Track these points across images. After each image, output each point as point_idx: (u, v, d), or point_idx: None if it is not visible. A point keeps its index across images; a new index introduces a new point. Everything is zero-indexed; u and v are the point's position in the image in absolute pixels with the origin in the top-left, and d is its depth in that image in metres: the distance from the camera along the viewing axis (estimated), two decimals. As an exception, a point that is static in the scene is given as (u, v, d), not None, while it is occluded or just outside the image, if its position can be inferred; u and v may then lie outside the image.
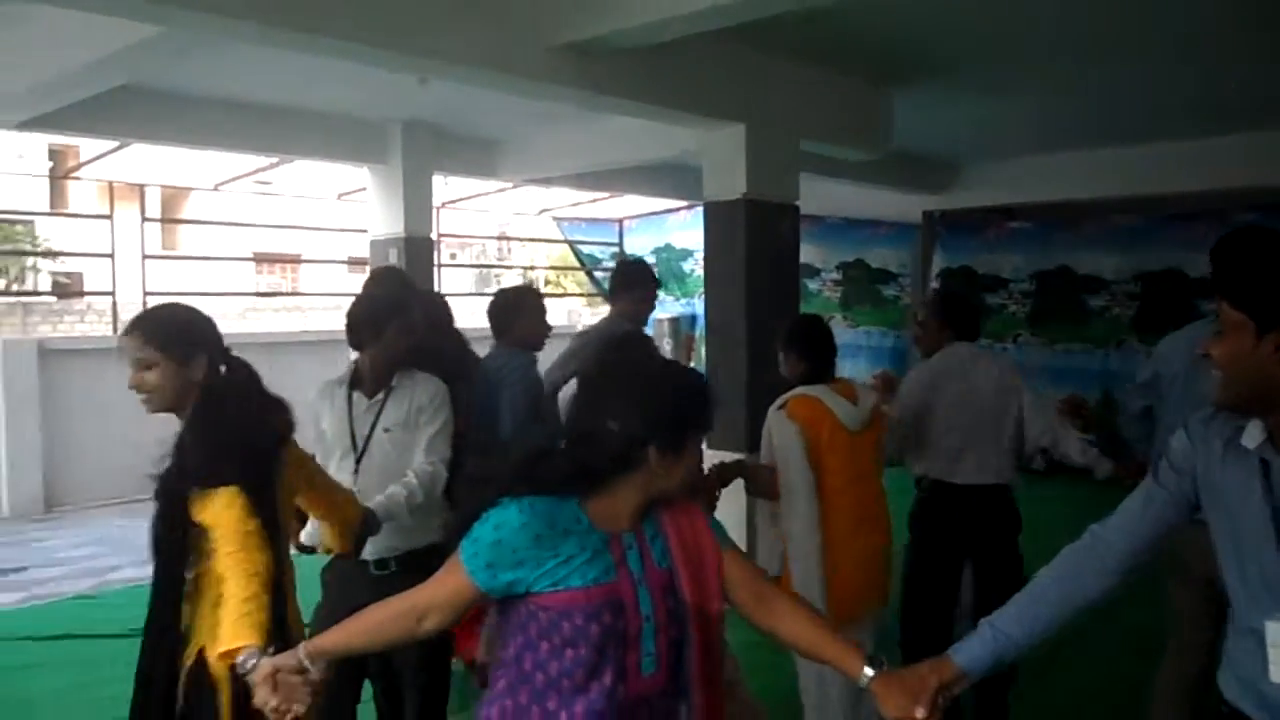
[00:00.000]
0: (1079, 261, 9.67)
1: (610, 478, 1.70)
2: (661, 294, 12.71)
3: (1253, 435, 1.67)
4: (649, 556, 1.73)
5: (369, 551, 2.84)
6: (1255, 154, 8.12)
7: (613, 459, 1.68)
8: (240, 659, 1.86)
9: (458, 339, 3.96)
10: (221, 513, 2.09)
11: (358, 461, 2.90)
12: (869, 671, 1.72)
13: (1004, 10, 5.02)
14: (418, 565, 2.56)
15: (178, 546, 2.16)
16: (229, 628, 1.92)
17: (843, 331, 10.71)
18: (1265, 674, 1.64)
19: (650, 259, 12.52)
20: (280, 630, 2.08)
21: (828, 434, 3.09)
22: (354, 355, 3.05)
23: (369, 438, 2.92)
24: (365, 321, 2.95)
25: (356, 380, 2.98)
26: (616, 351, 2.95)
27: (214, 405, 2.26)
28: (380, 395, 2.94)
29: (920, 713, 1.68)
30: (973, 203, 10.26)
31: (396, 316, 2.95)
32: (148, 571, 2.25)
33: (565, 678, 1.67)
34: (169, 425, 2.29)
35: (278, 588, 2.13)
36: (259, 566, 2.05)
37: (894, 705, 1.69)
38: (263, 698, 1.77)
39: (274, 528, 2.19)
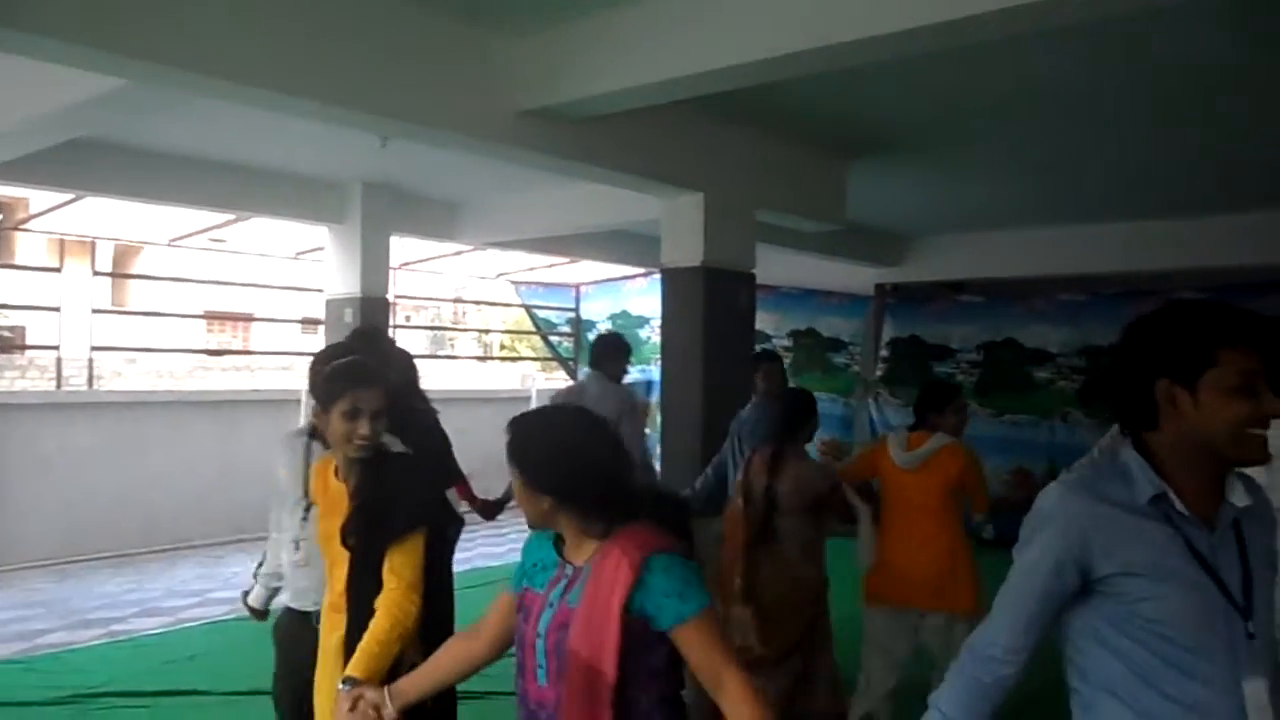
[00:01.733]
0: (1026, 335, 9.93)
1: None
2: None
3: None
4: (571, 590, 1.85)
5: (310, 604, 2.79)
6: (1198, 238, 8.45)
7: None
8: (342, 685, 2.16)
9: (424, 398, 3.93)
10: (407, 555, 2.39)
11: (306, 510, 2.82)
12: None
13: (958, 91, 5.18)
14: None
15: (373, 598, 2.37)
16: (356, 656, 2.25)
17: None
18: None
19: (605, 325, 12.60)
20: (395, 671, 2.26)
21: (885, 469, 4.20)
22: (304, 414, 2.99)
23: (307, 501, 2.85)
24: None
25: (316, 431, 2.87)
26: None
27: (417, 457, 2.55)
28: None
29: None
30: (924, 276, 10.50)
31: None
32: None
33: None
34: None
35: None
36: (409, 618, 2.35)
37: None
38: (340, 714, 2.05)
39: (438, 581, 2.46)
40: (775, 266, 8.89)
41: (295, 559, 2.86)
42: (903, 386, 10.50)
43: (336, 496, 2.53)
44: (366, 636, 2.29)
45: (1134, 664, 1.64)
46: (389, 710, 2.04)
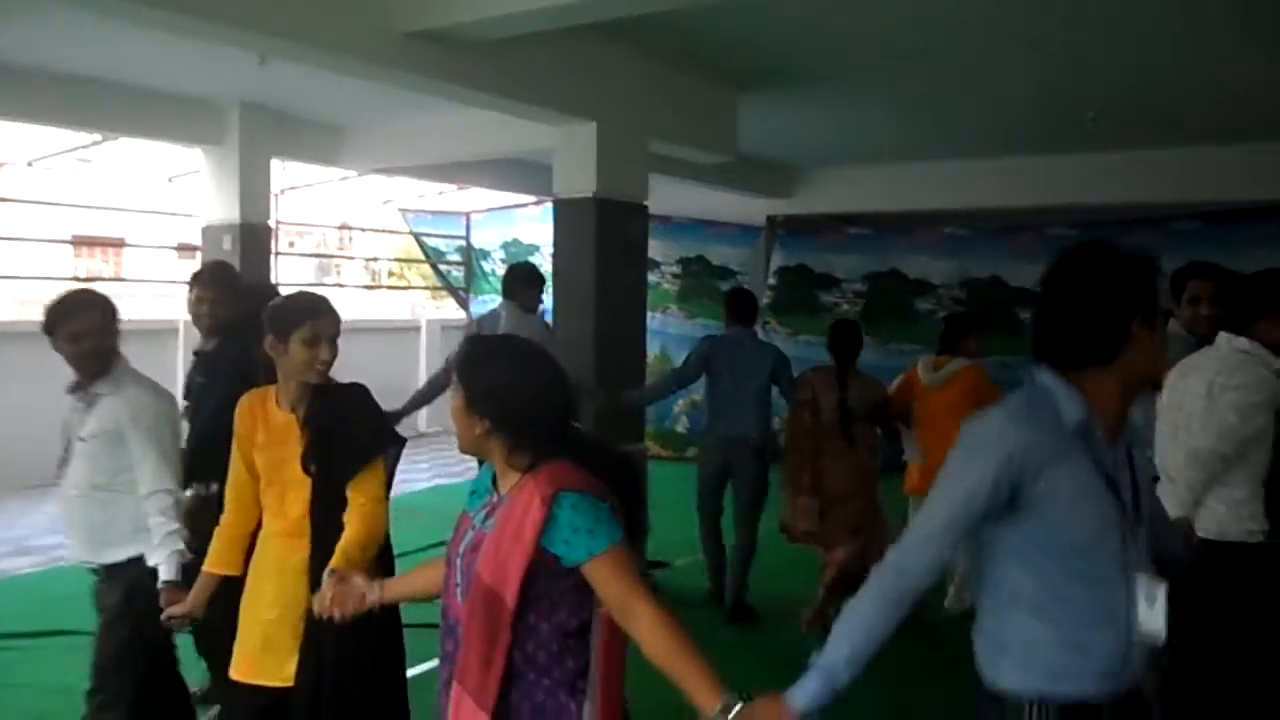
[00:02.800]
0: (909, 266, 10.24)
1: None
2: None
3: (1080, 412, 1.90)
4: (490, 517, 1.90)
5: (78, 561, 2.94)
6: (1074, 174, 8.80)
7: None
8: (328, 574, 2.28)
9: None
10: (368, 481, 2.59)
11: (60, 468, 2.87)
12: (717, 710, 1.72)
13: (850, 24, 5.22)
14: (111, 578, 2.88)
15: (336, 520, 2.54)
16: (338, 557, 2.42)
17: (680, 323, 10.99)
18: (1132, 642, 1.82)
19: (498, 253, 12.45)
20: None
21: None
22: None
23: (68, 445, 2.87)
24: (46, 316, 2.87)
25: (76, 385, 2.91)
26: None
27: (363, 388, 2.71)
28: (83, 403, 2.86)
29: None
30: (815, 208, 10.67)
31: (65, 319, 2.83)
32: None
33: None
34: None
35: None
36: (381, 527, 2.61)
37: None
38: (322, 599, 2.18)
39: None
40: (667, 197, 8.90)
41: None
42: (790, 315, 10.70)
43: (283, 426, 2.62)
44: (346, 543, 2.47)
45: (1043, 576, 1.82)
46: (375, 596, 2.18)
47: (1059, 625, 1.82)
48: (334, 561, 2.42)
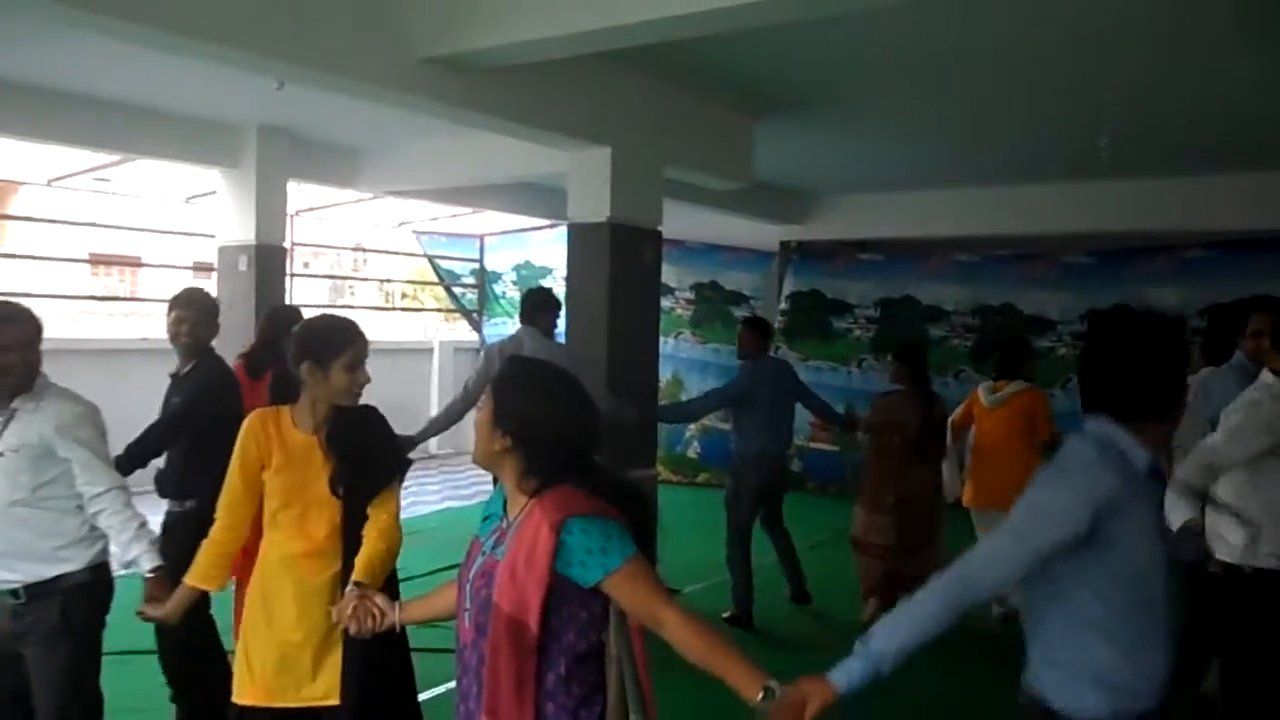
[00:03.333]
0: (922, 292, 10.22)
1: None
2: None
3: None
4: (500, 544, 1.94)
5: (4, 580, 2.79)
6: (1087, 201, 8.80)
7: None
8: (354, 587, 2.42)
9: None
10: (388, 499, 2.71)
11: None
12: (760, 698, 1.80)
13: (866, 52, 5.23)
14: (40, 598, 2.76)
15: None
16: (362, 568, 2.52)
17: (692, 348, 11.00)
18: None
19: (510, 276, 12.49)
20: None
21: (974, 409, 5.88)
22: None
23: None
24: None
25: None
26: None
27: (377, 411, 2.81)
28: (2, 417, 2.81)
29: None
30: (828, 234, 10.69)
31: None
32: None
33: None
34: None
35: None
36: (398, 544, 2.69)
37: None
38: (343, 610, 2.28)
39: None
40: (681, 221, 8.92)
41: None
42: (802, 340, 10.68)
43: (304, 448, 2.65)
44: (369, 558, 2.57)
45: (1112, 603, 2.01)
46: (393, 618, 2.26)
47: (1125, 648, 2.02)
48: (357, 575, 2.51)
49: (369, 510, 2.68)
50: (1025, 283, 9.66)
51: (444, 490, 9.72)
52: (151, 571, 2.82)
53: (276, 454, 2.67)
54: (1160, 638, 2.06)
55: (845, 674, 1.93)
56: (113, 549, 2.93)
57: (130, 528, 2.84)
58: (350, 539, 2.64)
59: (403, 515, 2.85)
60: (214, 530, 2.74)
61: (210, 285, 8.31)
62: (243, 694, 2.66)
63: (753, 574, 5.92)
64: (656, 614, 1.87)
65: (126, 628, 3.22)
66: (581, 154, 5.86)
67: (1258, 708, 3.27)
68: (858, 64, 5.48)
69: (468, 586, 1.96)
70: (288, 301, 8.22)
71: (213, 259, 8.05)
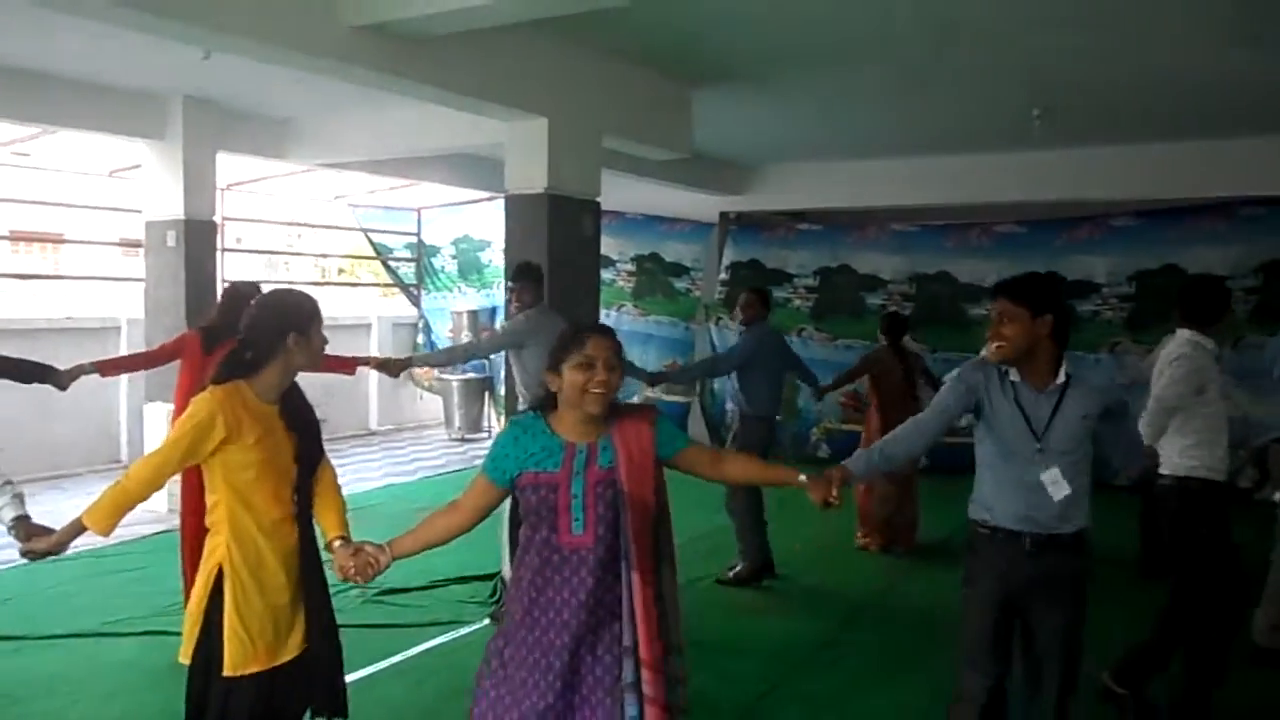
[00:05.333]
0: (860, 261, 10.34)
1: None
2: (462, 284, 12.62)
3: (1015, 374, 2.98)
4: (595, 459, 2.51)
5: None
6: (1019, 172, 8.96)
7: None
8: (338, 542, 2.74)
9: None
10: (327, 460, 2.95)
11: None
12: (801, 478, 2.75)
13: (803, 21, 5.25)
14: None
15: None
16: (335, 521, 2.82)
17: (634, 321, 11.02)
18: (1042, 504, 2.91)
19: (449, 249, 12.36)
20: None
21: None
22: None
23: None
24: None
25: None
26: None
27: None
28: None
29: (834, 493, 2.76)
30: (767, 205, 10.75)
31: None
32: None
33: (527, 531, 2.55)
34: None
35: None
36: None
37: (818, 493, 2.75)
38: (343, 563, 2.64)
39: None
40: (620, 193, 8.90)
41: None
42: (742, 309, 10.77)
43: (270, 418, 2.76)
44: (339, 509, 2.86)
45: (988, 455, 3.03)
46: (387, 557, 2.63)
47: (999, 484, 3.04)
48: (337, 530, 2.80)
49: (320, 470, 2.90)
50: (960, 251, 9.84)
51: (385, 466, 9.63)
52: (16, 520, 2.83)
53: (251, 428, 2.69)
54: (1019, 480, 2.96)
55: (855, 464, 3.03)
56: None
57: None
58: (305, 501, 2.82)
59: (346, 492, 2.96)
60: (130, 481, 2.68)
61: (138, 262, 8.12)
62: (247, 664, 2.69)
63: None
64: (719, 457, 2.86)
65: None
66: (518, 124, 5.81)
67: (1210, 607, 3.91)
68: (794, 32, 5.49)
69: (574, 501, 2.48)
70: (218, 277, 8.04)
71: (140, 235, 7.86)
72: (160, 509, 7.18)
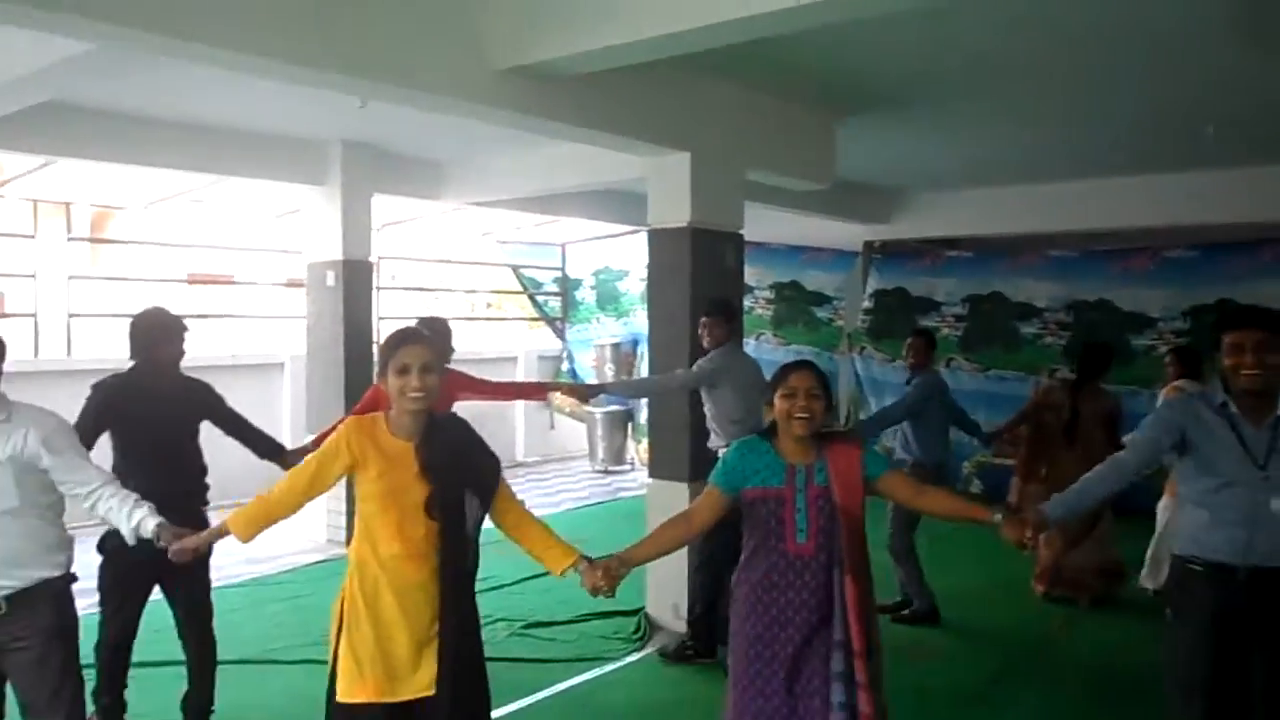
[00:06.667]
0: (1012, 289, 9.89)
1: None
2: (600, 315, 12.74)
3: (1232, 405, 2.94)
4: (812, 477, 2.92)
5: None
6: (1189, 192, 8.43)
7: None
8: (574, 568, 2.94)
9: None
10: (509, 498, 3.01)
11: None
12: (996, 517, 2.95)
13: (948, 45, 5.09)
14: (28, 604, 2.93)
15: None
16: (563, 550, 2.96)
17: (774, 350, 10.82)
18: (1266, 536, 2.83)
19: (590, 280, 12.53)
20: None
21: None
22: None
23: None
24: None
25: None
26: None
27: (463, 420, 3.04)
28: None
29: (1028, 534, 2.92)
30: (913, 233, 10.45)
31: None
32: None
33: (754, 541, 2.99)
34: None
35: None
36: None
37: (1012, 533, 2.94)
38: (594, 582, 2.91)
39: None
40: (761, 223, 8.82)
41: None
42: (887, 340, 10.46)
43: (400, 453, 2.78)
44: (545, 537, 3.00)
45: (1196, 491, 3.00)
46: (626, 568, 2.98)
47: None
48: (566, 558, 2.94)
49: (505, 503, 2.98)
50: (1123, 278, 9.28)
51: (532, 498, 9.77)
52: (157, 527, 3.02)
53: (375, 460, 2.75)
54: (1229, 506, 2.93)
55: (1052, 509, 3.06)
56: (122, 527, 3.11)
57: (129, 502, 3.07)
58: (451, 547, 2.78)
59: (487, 525, 2.96)
60: (271, 494, 2.88)
61: (300, 300, 8.50)
62: (353, 692, 2.75)
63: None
64: (920, 490, 3.13)
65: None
66: (661, 159, 5.82)
67: None
68: (943, 59, 5.33)
69: (798, 515, 2.90)
70: (373, 314, 8.33)
71: (302, 275, 8.23)
72: (320, 539, 7.46)
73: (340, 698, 2.76)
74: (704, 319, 5.37)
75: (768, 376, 5.17)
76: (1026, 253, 9.92)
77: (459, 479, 2.81)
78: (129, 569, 3.75)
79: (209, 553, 3.43)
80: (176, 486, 3.92)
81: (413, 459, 2.76)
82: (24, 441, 2.96)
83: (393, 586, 2.74)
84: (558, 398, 12.19)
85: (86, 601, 3.47)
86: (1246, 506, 2.86)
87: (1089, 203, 8.97)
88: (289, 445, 4.52)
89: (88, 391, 3.90)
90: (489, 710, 2.97)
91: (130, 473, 3.79)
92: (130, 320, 4.00)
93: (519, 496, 3.09)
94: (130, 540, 3.11)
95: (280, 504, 2.87)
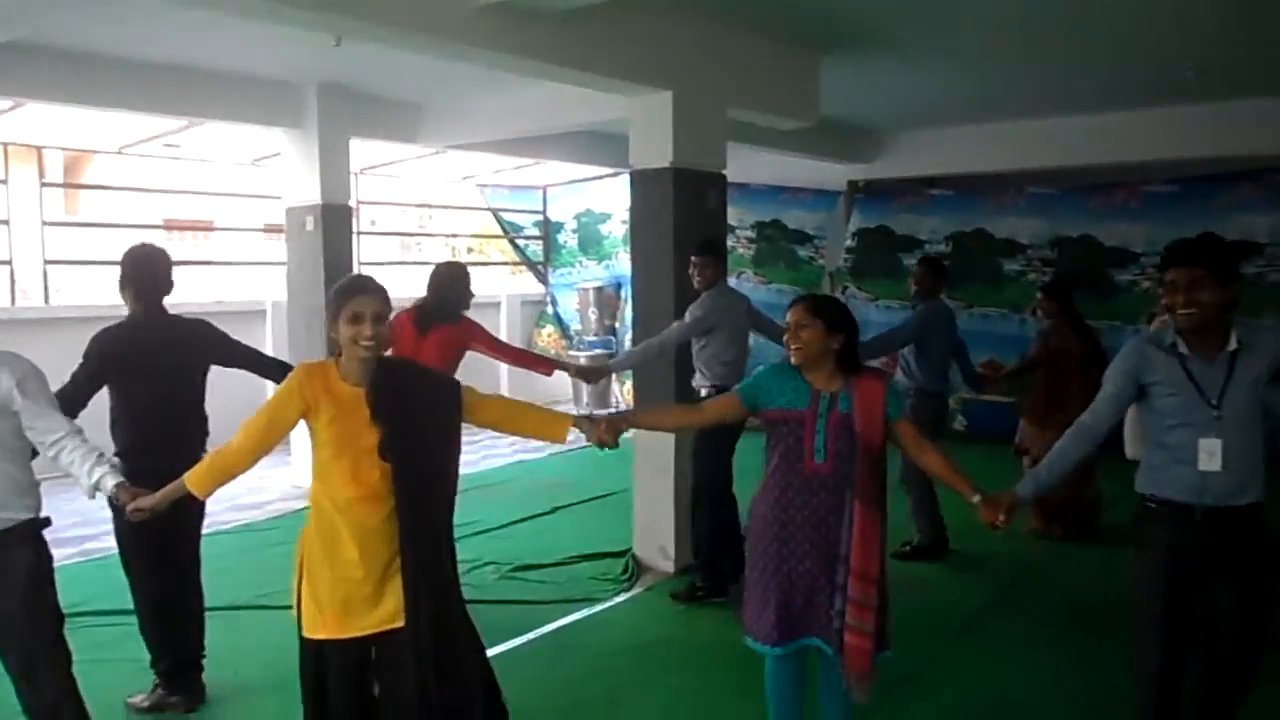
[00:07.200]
0: (996, 225, 9.89)
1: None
2: (582, 258, 12.67)
3: (1182, 345, 2.91)
4: (835, 403, 3.08)
5: None
6: (1170, 127, 8.39)
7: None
8: (578, 423, 3.18)
9: None
10: (479, 395, 3.03)
11: None
12: (975, 497, 3.07)
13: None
14: (6, 543, 2.98)
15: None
16: (554, 418, 3.15)
17: (756, 288, 10.76)
18: (1218, 476, 2.84)
19: (571, 224, 12.44)
20: None
21: None
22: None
23: None
24: None
25: None
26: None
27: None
28: None
29: (1001, 518, 3.02)
30: (896, 172, 10.39)
31: None
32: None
33: (774, 459, 3.16)
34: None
35: None
36: None
37: (987, 514, 3.05)
38: (599, 435, 3.16)
39: None
40: (743, 164, 8.75)
41: None
42: (871, 279, 10.45)
43: (351, 399, 2.78)
44: (527, 412, 3.15)
45: (1155, 429, 3.02)
46: (624, 425, 3.29)
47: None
48: (568, 420, 3.13)
49: (480, 412, 3.01)
50: (1105, 214, 9.30)
51: (516, 444, 9.79)
52: (115, 487, 3.04)
53: (326, 406, 2.78)
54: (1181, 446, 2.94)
55: (1023, 488, 3.13)
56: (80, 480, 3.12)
57: (91, 457, 3.07)
58: (404, 488, 2.78)
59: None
60: (227, 447, 2.88)
61: (280, 246, 8.42)
62: (315, 629, 2.83)
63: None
64: (922, 447, 3.19)
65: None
66: (642, 99, 5.74)
67: None
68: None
69: (818, 437, 3.05)
70: (354, 259, 8.26)
71: (281, 220, 8.14)
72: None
73: (305, 633, 2.85)
74: (694, 259, 5.34)
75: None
76: (1009, 190, 9.90)
77: (412, 420, 2.81)
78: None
79: (203, 507, 3.41)
80: (184, 431, 3.92)
81: (363, 404, 2.77)
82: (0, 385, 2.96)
83: (350, 529, 2.78)
84: (543, 343, 12.19)
85: (65, 551, 3.44)
86: (1198, 448, 2.87)
87: (1071, 138, 8.93)
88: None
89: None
90: (475, 636, 3.00)
91: (137, 421, 3.80)
92: (123, 259, 3.90)
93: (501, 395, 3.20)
94: (87, 495, 3.12)
95: (238, 454, 2.86)
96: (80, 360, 3.79)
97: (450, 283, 4.95)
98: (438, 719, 2.80)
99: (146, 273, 3.91)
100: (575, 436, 3.25)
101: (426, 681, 2.77)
